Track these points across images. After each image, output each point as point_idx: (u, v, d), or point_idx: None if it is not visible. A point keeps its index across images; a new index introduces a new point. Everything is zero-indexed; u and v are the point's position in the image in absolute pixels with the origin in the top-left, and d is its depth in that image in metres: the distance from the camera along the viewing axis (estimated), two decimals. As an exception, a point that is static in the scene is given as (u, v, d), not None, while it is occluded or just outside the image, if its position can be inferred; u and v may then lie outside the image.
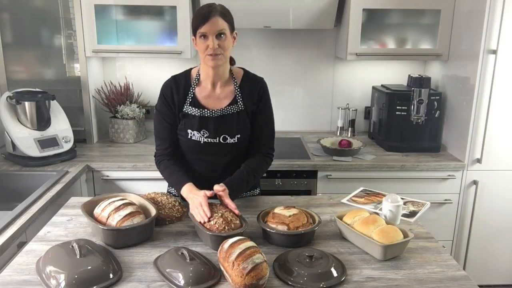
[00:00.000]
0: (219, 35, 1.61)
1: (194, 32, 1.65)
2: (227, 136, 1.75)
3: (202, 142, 1.75)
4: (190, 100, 1.75)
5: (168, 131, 1.78)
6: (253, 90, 1.78)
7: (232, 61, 1.80)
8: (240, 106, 1.76)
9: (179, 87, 1.76)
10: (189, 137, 1.75)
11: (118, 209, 1.50)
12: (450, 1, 2.66)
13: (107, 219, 1.49)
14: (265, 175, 2.43)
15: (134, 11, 2.68)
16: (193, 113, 1.74)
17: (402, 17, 2.77)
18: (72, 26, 2.67)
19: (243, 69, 1.84)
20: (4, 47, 2.67)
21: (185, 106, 1.75)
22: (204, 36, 1.61)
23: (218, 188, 1.60)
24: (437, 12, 2.69)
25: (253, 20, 2.72)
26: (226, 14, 1.64)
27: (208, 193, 1.57)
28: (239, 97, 1.76)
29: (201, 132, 1.74)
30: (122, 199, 1.56)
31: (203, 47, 1.63)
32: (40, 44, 2.73)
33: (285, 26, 2.77)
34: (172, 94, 1.76)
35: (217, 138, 1.75)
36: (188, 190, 1.63)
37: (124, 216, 1.48)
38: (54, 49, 2.74)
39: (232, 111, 1.75)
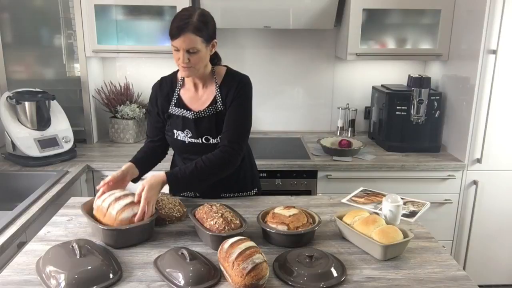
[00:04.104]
0: (189, 51, 1.61)
1: None
2: (209, 137, 1.76)
3: (186, 142, 1.78)
4: (175, 101, 1.78)
5: (152, 128, 1.87)
6: (231, 88, 1.74)
7: (216, 59, 1.80)
8: (219, 106, 1.74)
9: (163, 89, 1.81)
10: (175, 137, 1.79)
11: (118, 199, 1.51)
12: (450, 1, 2.66)
13: (107, 209, 1.49)
14: (265, 175, 2.45)
15: (134, 11, 2.68)
16: (177, 114, 1.78)
17: (402, 17, 2.77)
18: (72, 26, 2.67)
19: (226, 67, 1.81)
20: (4, 47, 2.67)
21: (170, 107, 1.79)
22: (176, 48, 1.62)
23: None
24: (437, 12, 2.69)
25: (253, 20, 2.72)
26: (200, 28, 1.59)
27: (115, 174, 1.65)
28: (218, 98, 1.75)
29: (185, 132, 1.77)
30: (122, 191, 1.57)
31: (176, 58, 1.65)
32: (40, 44, 2.73)
33: (285, 26, 2.77)
34: (156, 96, 1.82)
35: (200, 139, 1.77)
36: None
37: (125, 206, 1.49)
38: (54, 49, 2.74)
39: (211, 112, 1.74)
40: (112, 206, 1.49)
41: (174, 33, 1.59)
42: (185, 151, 1.82)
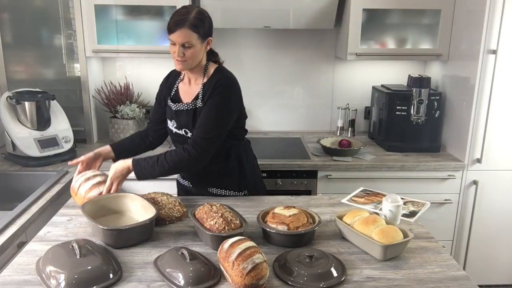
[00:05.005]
0: (185, 45, 1.68)
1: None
2: (187, 130, 1.83)
3: (173, 132, 1.88)
4: (173, 93, 1.89)
5: (157, 112, 1.98)
6: (211, 86, 1.76)
7: (212, 56, 1.84)
8: (199, 102, 1.79)
9: (168, 81, 1.94)
10: (168, 125, 1.92)
11: (88, 179, 1.72)
12: (450, 1, 2.66)
13: (78, 188, 1.71)
14: (265, 175, 2.46)
15: (134, 11, 2.68)
16: (169, 104, 1.89)
17: (402, 17, 2.77)
18: (72, 26, 2.67)
19: (218, 65, 1.85)
20: (4, 47, 2.67)
21: (169, 99, 1.90)
22: (173, 42, 1.71)
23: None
24: (437, 12, 2.69)
25: (253, 20, 2.72)
26: (197, 25, 1.67)
27: (88, 155, 1.84)
28: (200, 94, 1.80)
29: (172, 122, 1.88)
30: (93, 171, 1.78)
31: (171, 51, 1.73)
32: (40, 44, 2.73)
33: (285, 26, 2.77)
34: (162, 86, 1.96)
35: (181, 130, 1.85)
36: None
37: (92, 185, 1.69)
38: (54, 49, 2.74)
39: (190, 107, 1.81)
40: (82, 186, 1.70)
41: (171, 27, 1.69)
42: (174, 139, 1.94)
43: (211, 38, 1.76)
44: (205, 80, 1.80)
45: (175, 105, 1.84)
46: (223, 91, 1.75)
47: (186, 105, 1.82)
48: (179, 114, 1.83)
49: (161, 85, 1.97)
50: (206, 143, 1.73)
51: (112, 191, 1.71)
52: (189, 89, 1.85)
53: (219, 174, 1.90)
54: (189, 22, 1.66)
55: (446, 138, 2.78)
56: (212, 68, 1.82)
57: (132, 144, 1.98)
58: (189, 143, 1.75)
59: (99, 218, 1.56)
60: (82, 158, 1.82)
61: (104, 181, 1.72)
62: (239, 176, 1.93)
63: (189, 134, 1.83)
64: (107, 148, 1.89)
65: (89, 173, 1.76)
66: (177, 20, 1.66)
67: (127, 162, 1.74)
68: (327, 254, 1.38)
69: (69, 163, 1.84)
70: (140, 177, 1.74)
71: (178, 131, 1.86)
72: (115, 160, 1.90)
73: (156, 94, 1.98)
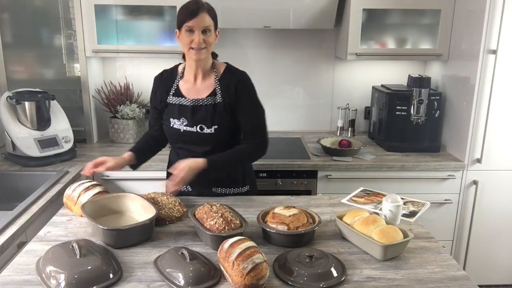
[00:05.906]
0: (205, 30, 1.71)
1: (179, 26, 1.73)
2: (203, 126, 1.81)
3: (182, 130, 1.85)
4: (174, 91, 1.86)
5: (153, 118, 1.97)
6: (231, 83, 1.81)
7: (214, 56, 1.88)
8: (218, 98, 1.80)
9: (163, 81, 1.91)
10: (171, 125, 1.87)
11: (87, 189, 1.67)
12: (450, 1, 2.66)
13: (77, 198, 1.66)
14: (265, 175, 2.46)
15: (134, 11, 2.68)
16: (173, 102, 1.85)
17: (402, 17, 2.77)
18: (72, 26, 2.67)
19: (226, 63, 1.89)
20: (4, 47, 2.67)
21: (169, 97, 1.86)
22: (191, 30, 1.70)
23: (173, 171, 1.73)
24: (437, 12, 2.69)
25: (253, 20, 2.72)
26: (212, 12, 1.75)
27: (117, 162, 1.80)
28: (218, 90, 1.81)
29: (181, 120, 1.84)
30: (90, 181, 1.73)
31: (188, 41, 1.72)
32: (40, 44, 2.73)
33: (285, 26, 2.77)
34: (156, 87, 1.92)
35: (195, 127, 1.82)
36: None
37: (93, 195, 1.64)
38: (54, 49, 2.74)
39: (209, 102, 1.81)
40: (82, 196, 1.65)
41: (189, 15, 1.69)
42: (179, 140, 1.89)
43: (218, 30, 1.79)
44: (218, 76, 1.82)
45: (188, 100, 1.82)
46: (249, 85, 1.84)
47: (204, 100, 1.81)
48: (196, 109, 1.81)
49: (154, 87, 1.92)
50: (267, 131, 1.90)
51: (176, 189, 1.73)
52: (195, 86, 1.84)
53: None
54: (207, 8, 1.72)
55: (446, 138, 2.78)
56: (220, 65, 1.86)
57: (149, 146, 1.98)
58: (252, 138, 1.84)
59: (99, 218, 1.56)
60: (111, 164, 1.76)
61: (104, 191, 1.69)
62: (242, 171, 1.96)
63: (206, 130, 1.81)
64: (130, 155, 1.87)
65: (87, 183, 1.73)
66: (195, 8, 1.69)
67: (199, 162, 1.71)
68: (327, 254, 1.38)
69: (84, 172, 1.77)
70: (214, 172, 1.77)
71: (189, 129, 1.83)
72: (135, 165, 1.92)
73: (150, 99, 1.95)
